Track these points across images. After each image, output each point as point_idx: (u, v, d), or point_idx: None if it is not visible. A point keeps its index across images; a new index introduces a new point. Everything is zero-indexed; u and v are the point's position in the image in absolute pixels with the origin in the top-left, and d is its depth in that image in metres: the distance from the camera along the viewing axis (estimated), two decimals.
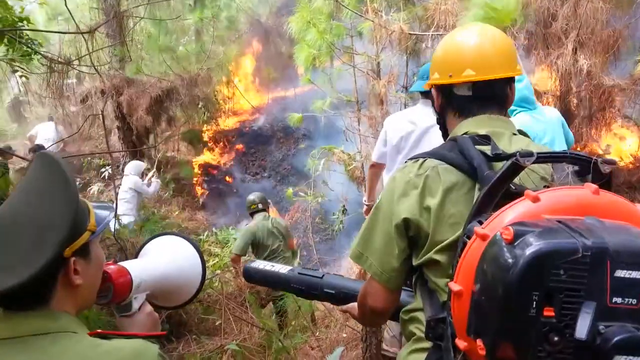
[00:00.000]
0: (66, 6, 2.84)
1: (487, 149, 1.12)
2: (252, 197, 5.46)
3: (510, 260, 0.80)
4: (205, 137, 10.71)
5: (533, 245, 0.79)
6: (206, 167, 10.11)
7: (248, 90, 12.63)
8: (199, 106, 9.23)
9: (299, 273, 1.63)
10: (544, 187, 1.05)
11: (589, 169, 1.02)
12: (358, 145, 7.64)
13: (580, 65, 4.79)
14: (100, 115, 4.63)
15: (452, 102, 1.34)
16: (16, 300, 0.86)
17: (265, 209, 5.32)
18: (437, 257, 1.15)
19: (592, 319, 0.77)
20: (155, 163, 7.97)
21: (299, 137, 10.53)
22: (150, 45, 9.52)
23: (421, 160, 1.23)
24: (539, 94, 5.21)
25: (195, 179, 9.41)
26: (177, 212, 8.17)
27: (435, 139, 3.01)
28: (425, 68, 3.21)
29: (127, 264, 1.25)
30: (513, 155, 0.99)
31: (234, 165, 10.59)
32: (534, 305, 0.77)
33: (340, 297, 1.53)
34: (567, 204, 0.90)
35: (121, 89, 8.64)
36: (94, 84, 8.61)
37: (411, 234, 1.20)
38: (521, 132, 1.31)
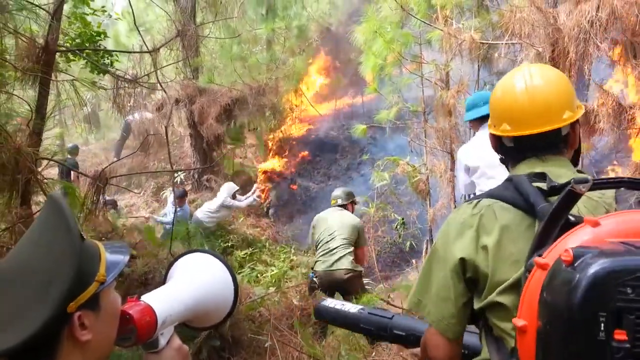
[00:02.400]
0: (135, 25, 2.93)
1: (542, 185, 1.10)
2: (335, 192, 5.07)
3: (571, 282, 0.76)
4: (271, 144, 10.87)
5: (595, 263, 0.75)
6: (272, 174, 10.25)
7: (315, 97, 12.71)
8: (267, 114, 9.37)
9: (368, 313, 1.61)
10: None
11: None
12: (424, 157, 7.45)
13: None
14: (173, 127, 4.77)
15: (501, 149, 1.35)
16: None
17: (344, 205, 4.81)
18: (500, 299, 1.11)
19: None
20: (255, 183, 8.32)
21: (364, 146, 10.42)
22: (223, 55, 9.82)
23: (475, 201, 1.22)
24: (624, 108, 4.79)
25: (260, 185, 9.55)
26: (242, 219, 8.32)
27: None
28: (480, 96, 3.44)
29: (152, 299, 1.19)
30: (568, 184, 0.97)
31: (299, 173, 10.67)
32: (602, 328, 0.72)
33: (411, 339, 1.50)
34: (630, 227, 0.86)
35: (194, 97, 8.97)
36: (170, 92, 8.99)
37: (469, 275, 1.17)
38: (580, 172, 1.27)
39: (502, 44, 5.78)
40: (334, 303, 1.72)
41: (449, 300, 1.18)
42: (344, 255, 4.26)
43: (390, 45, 6.93)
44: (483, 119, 3.31)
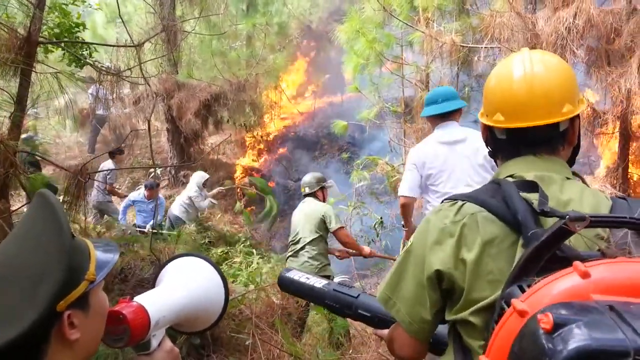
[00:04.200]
0: (120, 17, 2.88)
1: (534, 197, 1.00)
2: (305, 178, 4.63)
3: (546, 356, 0.69)
4: (251, 141, 10.82)
5: (575, 340, 0.67)
6: (250, 171, 10.21)
7: (295, 95, 12.69)
8: (246, 111, 9.32)
9: (334, 289, 1.55)
10: (598, 250, 0.92)
11: None
12: (403, 157, 7.52)
13: None
14: (150, 122, 4.70)
15: (492, 141, 1.24)
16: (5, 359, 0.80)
17: (314, 193, 4.47)
18: (473, 319, 1.04)
19: None
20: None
21: (343, 144, 10.47)
22: (203, 50, 9.71)
23: (459, 203, 1.11)
24: (597, 114, 4.93)
25: (238, 182, 9.50)
26: (219, 215, 8.26)
27: (465, 151, 3.09)
28: (441, 91, 3.39)
29: (145, 300, 1.18)
30: (561, 214, 0.88)
31: (277, 170, 10.65)
32: None
33: (375, 321, 1.45)
34: (622, 282, 0.77)
35: (172, 92, 8.85)
36: (147, 86, 8.86)
37: (444, 287, 1.10)
38: (576, 175, 1.17)
39: (482, 47, 5.88)
40: (298, 275, 1.66)
41: (422, 306, 1.12)
42: (310, 258, 4.16)
43: (372, 45, 6.97)
44: (440, 117, 3.25)
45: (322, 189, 4.52)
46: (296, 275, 1.67)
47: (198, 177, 7.39)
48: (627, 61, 4.67)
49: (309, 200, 4.43)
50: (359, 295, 1.49)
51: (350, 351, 3.65)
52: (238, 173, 9.70)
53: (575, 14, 4.86)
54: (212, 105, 9.11)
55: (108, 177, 7.27)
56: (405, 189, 3.29)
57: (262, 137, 10.96)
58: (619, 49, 4.80)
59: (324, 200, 4.54)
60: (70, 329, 0.85)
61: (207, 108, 9.12)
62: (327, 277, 4.07)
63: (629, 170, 4.89)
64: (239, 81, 9.03)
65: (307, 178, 4.56)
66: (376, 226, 7.26)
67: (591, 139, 5.11)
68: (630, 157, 4.86)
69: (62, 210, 0.87)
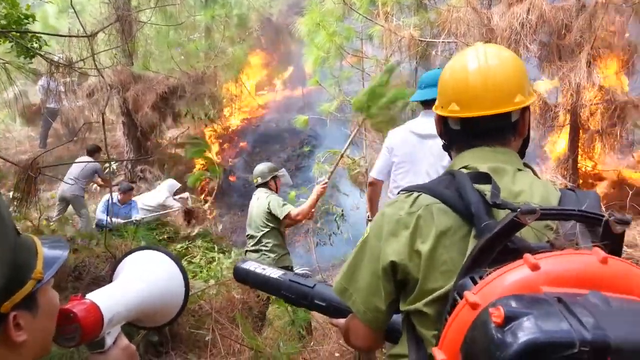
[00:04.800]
0: (72, 7, 2.76)
1: (487, 189, 1.02)
2: (257, 168, 4.52)
3: (498, 348, 0.71)
4: (210, 135, 10.65)
5: (525, 333, 0.69)
6: (209, 165, 10.05)
7: (256, 88, 12.57)
8: (205, 104, 9.16)
9: (290, 280, 1.54)
10: (547, 241, 0.94)
11: (599, 223, 0.91)
12: (363, 150, 7.58)
13: (593, 79, 4.68)
14: (105, 115, 4.55)
15: (447, 132, 1.25)
16: None
17: (266, 184, 4.38)
18: (426, 309, 1.06)
19: None
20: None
21: (304, 138, 10.44)
22: (159, 41, 9.48)
23: (415, 195, 1.12)
24: (549, 107, 5.11)
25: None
26: (178, 212, 8.11)
27: (434, 149, 2.88)
28: (425, 77, 3.11)
29: (98, 296, 1.14)
30: (513, 207, 0.90)
31: (238, 164, 10.53)
32: None
33: (331, 310, 1.45)
34: (570, 274, 0.80)
35: (128, 84, 8.61)
36: (101, 78, 8.57)
37: (399, 278, 1.11)
38: (527, 166, 1.20)
39: (439, 42, 5.97)
40: (254, 266, 1.64)
41: (377, 296, 1.14)
42: (264, 254, 4.12)
43: (332, 38, 6.96)
44: (423, 104, 3.07)
45: (275, 178, 4.44)
46: (252, 266, 1.64)
47: (170, 186, 7.35)
48: (576, 56, 4.86)
49: (259, 192, 4.37)
50: (314, 285, 1.48)
51: (312, 343, 3.66)
52: (197, 167, 9.54)
53: (529, 10, 5.01)
54: (169, 98, 8.91)
55: (99, 173, 7.44)
56: (374, 171, 3.25)
57: (222, 130, 10.81)
58: (569, 44, 4.98)
59: (276, 191, 4.46)
60: (17, 331, 0.80)
61: (165, 101, 8.92)
62: (287, 267, 4.08)
63: (579, 162, 5.09)
64: (197, 73, 8.87)
65: (260, 168, 4.48)
66: (337, 219, 7.30)
67: (543, 131, 5.28)
68: (579, 148, 5.05)
69: (4, 206, 0.83)
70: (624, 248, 4.39)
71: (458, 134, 1.21)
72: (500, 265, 0.85)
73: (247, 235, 4.37)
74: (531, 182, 1.12)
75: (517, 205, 0.90)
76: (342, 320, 1.36)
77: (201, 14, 10.03)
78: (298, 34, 7.63)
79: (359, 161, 7.47)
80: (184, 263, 6.06)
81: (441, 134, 1.29)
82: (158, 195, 7.22)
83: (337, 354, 3.14)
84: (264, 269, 1.61)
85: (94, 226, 6.82)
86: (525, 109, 1.19)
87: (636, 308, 0.74)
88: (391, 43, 6.18)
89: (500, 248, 0.90)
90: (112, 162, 7.79)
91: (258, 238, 4.22)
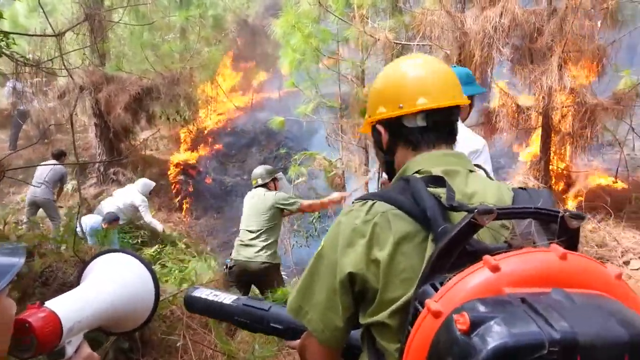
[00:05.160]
0: (40, 5, 2.67)
1: (441, 192, 1.00)
2: (256, 170, 4.57)
3: (466, 356, 0.69)
4: (185, 137, 10.52)
5: (493, 339, 0.67)
6: (185, 167, 9.93)
7: (232, 90, 12.47)
8: (180, 105, 9.04)
9: (243, 304, 1.44)
10: (505, 242, 0.94)
11: (555, 219, 0.91)
12: (340, 152, 7.58)
13: (564, 82, 4.76)
14: (77, 116, 4.43)
15: (403, 136, 1.19)
16: None
17: (266, 184, 4.42)
18: (387, 320, 1.01)
19: None
20: None
21: (281, 140, 10.41)
22: (133, 42, 9.33)
23: (370, 203, 1.08)
24: (521, 109, 5.18)
25: (173, 178, 9.22)
26: (152, 213, 7.97)
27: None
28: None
29: (58, 304, 1.08)
30: (469, 208, 0.88)
31: (213, 166, 10.41)
32: None
33: (289, 333, 1.37)
34: (531, 272, 0.79)
35: (100, 85, 8.44)
36: (74, 79, 8.39)
37: (357, 289, 1.07)
38: (478, 166, 1.21)
39: (414, 45, 6.01)
40: (206, 293, 1.53)
41: (334, 313, 1.08)
42: (262, 249, 4.16)
43: (308, 40, 6.95)
44: None
45: (274, 180, 4.50)
46: (203, 293, 1.55)
47: (144, 185, 7.11)
48: (548, 59, 4.94)
49: (259, 190, 4.39)
50: (270, 307, 1.41)
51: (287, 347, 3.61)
52: (172, 169, 9.41)
53: (501, 13, 5.08)
54: (143, 100, 8.77)
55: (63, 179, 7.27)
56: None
57: (197, 132, 10.68)
58: (541, 48, 5.07)
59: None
60: None
61: (138, 102, 8.77)
62: (278, 265, 4.28)
63: (551, 163, 5.17)
64: (172, 74, 8.74)
65: (259, 170, 4.53)
66: (314, 221, 7.28)
67: (516, 133, 5.36)
68: (551, 150, 5.14)
69: None
70: (595, 248, 4.49)
71: (421, 132, 1.17)
72: (460, 270, 0.83)
73: (243, 230, 4.33)
74: (484, 183, 1.13)
75: (474, 206, 0.88)
76: (297, 342, 1.30)
77: (176, 14, 9.91)
78: (274, 36, 7.60)
79: (335, 163, 7.47)
80: (157, 267, 5.95)
81: (389, 144, 1.22)
82: (132, 196, 7.04)
83: None
84: (216, 295, 1.53)
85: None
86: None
87: (598, 303, 0.74)
88: (366, 45, 6.19)
89: (459, 251, 0.89)
90: (78, 165, 7.58)
91: (258, 233, 4.21)
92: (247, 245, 4.21)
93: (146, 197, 7.07)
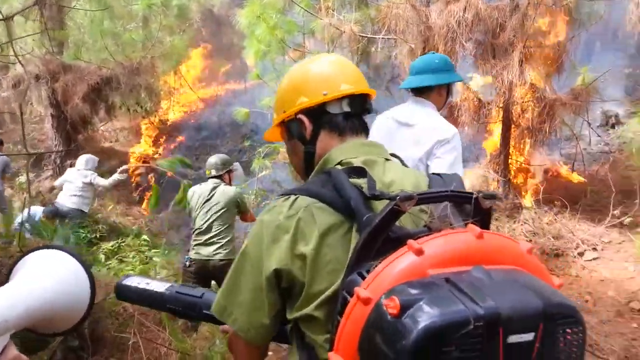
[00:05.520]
0: None
1: (362, 182, 1.03)
2: (211, 159, 4.39)
3: (398, 339, 0.71)
4: (147, 128, 10.24)
5: (422, 319, 0.70)
6: (146, 160, 9.67)
7: (196, 81, 12.23)
8: (141, 96, 8.79)
9: (176, 292, 1.41)
10: (425, 226, 0.98)
11: (469, 201, 0.97)
12: None
13: (524, 77, 4.83)
14: (32, 106, 4.23)
15: (327, 123, 1.20)
16: None
17: (220, 176, 4.26)
18: (316, 313, 1.02)
19: None
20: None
21: (246, 132, 10.26)
22: (93, 30, 9.02)
23: (292, 198, 1.09)
24: (483, 104, 5.24)
25: (132, 171, 8.95)
26: (110, 207, 7.74)
27: (415, 136, 2.61)
28: (417, 63, 2.81)
29: None
30: (391, 196, 0.91)
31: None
32: None
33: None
34: (453, 254, 0.83)
35: (57, 74, 8.13)
36: (28, 68, 8.04)
37: (284, 285, 1.07)
38: (394, 156, 1.24)
39: (379, 38, 6.00)
40: (138, 281, 1.49)
41: (260, 311, 1.09)
42: (221, 247, 4.04)
43: (273, 31, 6.84)
44: (412, 91, 2.78)
45: (229, 172, 4.35)
46: (135, 281, 1.50)
47: (90, 161, 6.61)
48: (510, 55, 5.00)
49: (217, 182, 4.20)
50: (203, 294, 1.38)
51: None
52: (132, 162, 9.15)
53: (465, 8, 5.11)
54: (102, 90, 8.51)
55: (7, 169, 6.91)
56: None
57: (159, 123, 10.42)
58: (503, 43, 5.13)
59: (229, 184, 4.36)
60: None
61: (97, 92, 8.50)
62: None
63: (510, 157, 5.25)
64: (132, 64, 8.49)
65: (213, 160, 4.32)
66: None
67: (477, 127, 5.42)
68: (511, 144, 5.22)
69: None
70: (552, 240, 4.60)
71: (344, 117, 1.19)
72: (386, 256, 0.86)
73: (198, 229, 4.13)
74: (401, 170, 1.17)
75: (395, 194, 0.91)
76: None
77: (138, 3, 9.62)
78: (239, 26, 7.45)
79: None
80: (114, 262, 5.77)
81: (311, 133, 1.21)
82: (77, 175, 6.42)
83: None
84: (148, 283, 1.47)
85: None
86: None
87: (514, 277, 0.79)
88: (332, 38, 6.14)
89: (383, 238, 0.91)
90: (29, 156, 7.28)
91: (217, 232, 4.08)
92: (205, 244, 4.08)
93: (94, 170, 6.58)
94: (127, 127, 9.85)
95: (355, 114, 1.21)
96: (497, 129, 5.44)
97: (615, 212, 4.70)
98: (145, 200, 8.26)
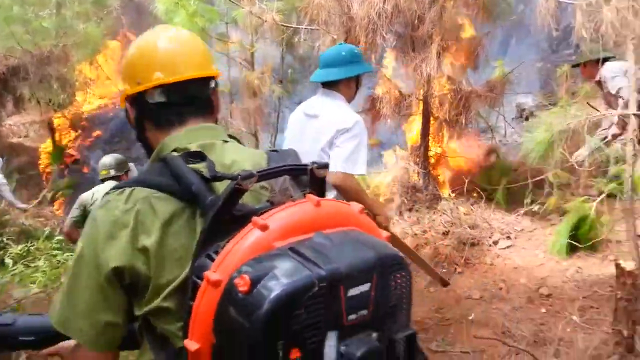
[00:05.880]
0: None
1: (201, 167, 1.02)
2: (106, 159, 4.20)
3: (249, 314, 0.75)
4: (60, 122, 9.58)
5: (272, 291, 0.75)
6: (67, 155, 9.07)
7: (116, 71, 11.60)
8: (53, 87, 8.20)
9: None
10: (267, 201, 1.01)
11: (305, 172, 1.04)
12: None
13: (442, 70, 4.89)
14: None
15: (147, 113, 1.18)
16: None
17: (118, 177, 4.09)
18: (166, 304, 0.99)
19: (336, 346, 0.77)
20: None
21: None
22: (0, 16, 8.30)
23: (128, 190, 1.05)
24: (403, 96, 5.27)
25: (44, 168, 8.37)
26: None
27: (319, 127, 2.67)
28: (324, 56, 2.88)
29: None
30: (233, 176, 0.93)
31: (93, 154, 9.61)
32: (281, 355, 0.75)
33: (47, 340, 1.23)
34: (295, 224, 0.89)
35: None
36: None
37: (127, 282, 1.01)
38: (232, 137, 1.23)
39: (302, 28, 5.89)
40: None
41: (103, 314, 1.02)
42: None
43: (193, 19, 6.56)
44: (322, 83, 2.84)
45: (127, 172, 4.17)
46: None
47: None
48: (428, 47, 5.04)
49: (109, 185, 3.91)
50: (15, 320, 1.22)
51: None
52: (43, 158, 8.55)
53: (385, 0, 5.09)
54: (9, 80, 7.88)
55: None
56: None
57: (74, 117, 9.78)
58: (422, 36, 5.16)
59: None
60: None
61: (3, 83, 7.88)
62: None
63: (430, 148, 5.33)
64: (41, 52, 7.89)
65: (108, 160, 4.14)
66: None
67: (398, 120, 5.45)
68: (430, 136, 5.29)
69: None
70: (468, 230, 4.70)
71: (162, 108, 1.16)
72: (233, 236, 0.88)
73: None
74: (240, 151, 1.18)
75: (236, 173, 0.92)
76: (61, 345, 1.22)
77: None
78: (157, 13, 7.09)
79: None
80: (20, 267, 5.36)
81: (137, 121, 1.21)
82: None
83: None
84: None
85: None
86: (216, 89, 1.24)
87: (351, 236, 0.88)
88: (253, 26, 5.96)
89: (228, 218, 0.93)
90: None
91: None
92: None
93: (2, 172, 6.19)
94: (37, 120, 9.17)
95: (183, 102, 1.16)
96: (417, 121, 5.49)
97: (527, 200, 4.87)
98: (59, 200, 7.74)
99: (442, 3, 5.11)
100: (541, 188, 4.79)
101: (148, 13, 10.79)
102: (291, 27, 6.20)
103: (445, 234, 4.70)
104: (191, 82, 1.15)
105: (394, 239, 3.10)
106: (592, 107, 4.31)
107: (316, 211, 0.91)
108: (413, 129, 5.60)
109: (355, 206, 0.97)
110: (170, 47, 1.18)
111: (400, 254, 0.89)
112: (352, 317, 0.80)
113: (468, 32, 5.33)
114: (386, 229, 2.79)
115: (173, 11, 6.66)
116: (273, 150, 1.22)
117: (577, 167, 3.77)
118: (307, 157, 2.84)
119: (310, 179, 1.03)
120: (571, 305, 3.77)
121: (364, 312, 0.82)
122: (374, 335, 0.83)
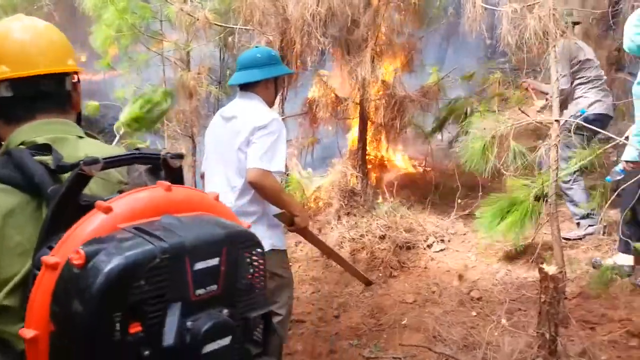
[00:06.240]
0: None
1: (48, 159, 1.00)
2: None
3: (84, 288, 0.72)
4: None
5: (107, 264, 0.73)
6: None
7: None
8: None
9: None
10: (119, 192, 0.98)
11: (157, 161, 1.02)
12: (165, 141, 7.04)
13: (376, 74, 4.88)
14: None
15: None
16: None
17: None
18: (7, 302, 0.95)
19: (179, 319, 0.76)
20: None
21: (104, 126, 9.41)
22: None
23: None
24: (340, 100, 5.23)
25: None
26: None
27: (236, 128, 2.64)
28: (241, 59, 2.89)
29: None
30: (76, 163, 0.91)
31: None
32: (118, 328, 0.72)
33: None
34: (143, 207, 0.87)
35: None
36: None
37: None
38: (89, 135, 1.23)
39: (237, 28, 5.74)
40: None
41: None
42: None
43: (122, 15, 6.27)
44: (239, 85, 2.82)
45: None
46: None
47: None
48: (363, 51, 5.02)
49: None
50: None
51: None
52: None
53: (319, 2, 5.03)
54: None
55: None
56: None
57: None
58: (356, 39, 5.13)
59: None
60: None
61: None
62: None
63: (368, 153, 5.31)
64: None
65: None
66: None
67: (337, 123, 5.41)
68: (367, 139, 5.27)
69: None
70: (403, 233, 4.70)
71: (11, 103, 1.13)
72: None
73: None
74: (97, 146, 1.18)
75: (81, 160, 0.89)
76: None
77: None
78: (85, 9, 6.74)
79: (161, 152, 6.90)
80: None
81: None
82: None
83: None
84: None
85: None
86: (77, 84, 1.23)
87: (202, 218, 0.88)
88: (184, 24, 5.75)
89: (75, 209, 0.89)
90: None
91: None
92: None
93: None
94: None
95: (38, 96, 1.14)
96: (355, 125, 5.47)
97: (460, 203, 4.94)
98: None
99: (375, 8, 5.11)
100: (474, 191, 4.85)
101: (81, 9, 10.34)
102: (226, 27, 6.04)
103: (382, 238, 4.68)
104: (44, 77, 1.13)
105: (313, 239, 3.09)
106: (523, 112, 4.41)
107: (166, 196, 0.89)
108: (351, 133, 5.57)
109: (212, 194, 0.98)
110: (22, 38, 1.14)
111: (254, 233, 0.89)
112: (201, 291, 0.79)
113: (401, 37, 5.35)
114: (304, 230, 2.77)
115: (102, 7, 6.35)
116: (136, 148, 1.17)
117: (504, 173, 3.83)
118: (225, 159, 2.80)
119: (166, 169, 1.01)
120: (500, 308, 3.82)
121: (214, 287, 0.81)
122: (225, 311, 0.82)
